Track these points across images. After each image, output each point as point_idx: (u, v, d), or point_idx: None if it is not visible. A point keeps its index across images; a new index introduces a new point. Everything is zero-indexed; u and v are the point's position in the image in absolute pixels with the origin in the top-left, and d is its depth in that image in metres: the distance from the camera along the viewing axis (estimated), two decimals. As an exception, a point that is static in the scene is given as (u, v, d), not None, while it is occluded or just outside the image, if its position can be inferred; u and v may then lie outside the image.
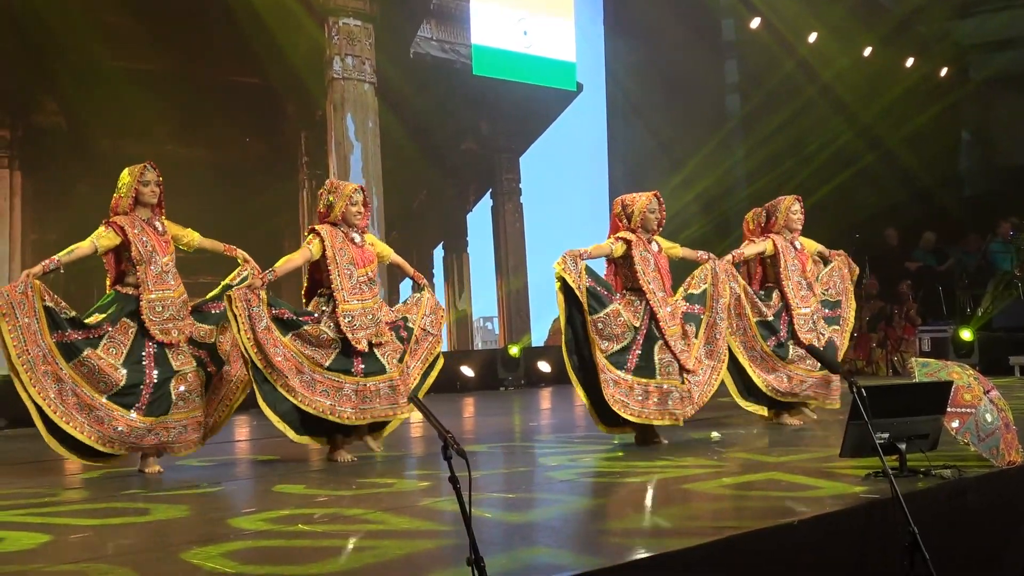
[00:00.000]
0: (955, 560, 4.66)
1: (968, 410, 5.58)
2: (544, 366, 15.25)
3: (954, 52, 19.00)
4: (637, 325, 7.25)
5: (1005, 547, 5.36)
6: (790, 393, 8.17)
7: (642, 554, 3.90)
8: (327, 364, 6.80)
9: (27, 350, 6.36)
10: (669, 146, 17.89)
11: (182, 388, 6.71)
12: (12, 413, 10.34)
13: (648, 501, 5.38)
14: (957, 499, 5.17)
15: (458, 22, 15.92)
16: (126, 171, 6.80)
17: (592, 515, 5.19)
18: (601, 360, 7.13)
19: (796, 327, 8.16)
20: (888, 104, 17.94)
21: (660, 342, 7.27)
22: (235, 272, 7.16)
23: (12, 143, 12.07)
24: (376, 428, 7.17)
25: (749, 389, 8.24)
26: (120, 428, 6.51)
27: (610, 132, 18.06)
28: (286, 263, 6.96)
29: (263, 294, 6.70)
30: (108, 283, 6.84)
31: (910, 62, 18.41)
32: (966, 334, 14.43)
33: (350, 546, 4.30)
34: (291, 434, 6.85)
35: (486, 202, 16.57)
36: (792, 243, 8.35)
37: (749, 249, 8.33)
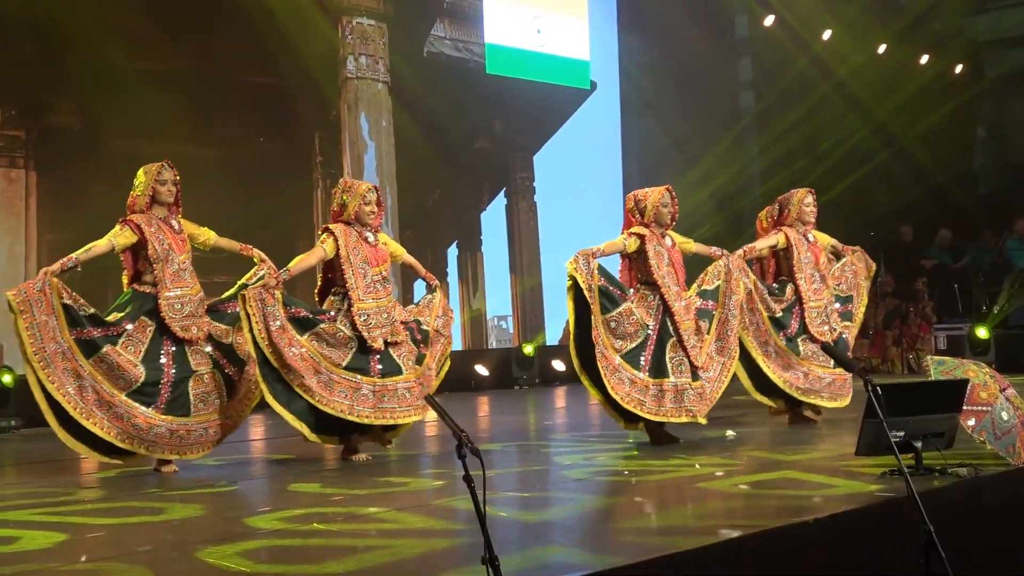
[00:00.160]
0: (971, 559, 4.64)
1: (984, 408, 5.56)
2: (559, 365, 15.24)
3: (969, 49, 18.91)
4: (650, 322, 7.24)
5: (1022, 546, 5.33)
6: (811, 391, 8.11)
7: (657, 553, 3.89)
8: (344, 364, 6.81)
9: (44, 347, 6.37)
10: (683, 144, 17.85)
11: (200, 390, 6.73)
12: (28, 413, 10.37)
13: (663, 500, 5.38)
14: (973, 497, 5.16)
15: (471, 21, 15.92)
16: (142, 170, 6.83)
17: (606, 514, 5.19)
18: (615, 359, 7.12)
19: (808, 320, 8.11)
20: (903, 101, 17.86)
21: (672, 340, 7.26)
22: (251, 272, 7.17)
23: (27, 143, 12.10)
24: (387, 429, 7.16)
25: (763, 385, 8.19)
26: (139, 424, 6.53)
27: (624, 130, 18.03)
28: (300, 262, 6.97)
29: (278, 293, 6.71)
30: (125, 281, 6.87)
31: (925, 59, 18.34)
32: (982, 332, 14.37)
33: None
34: (306, 432, 6.86)
35: (500, 201, 16.56)
36: (805, 236, 8.31)
37: (760, 243, 8.30)
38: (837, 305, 8.42)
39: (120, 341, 6.58)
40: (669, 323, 7.26)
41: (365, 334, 6.82)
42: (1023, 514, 5.48)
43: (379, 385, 6.84)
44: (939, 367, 5.87)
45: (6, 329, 9.65)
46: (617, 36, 18.02)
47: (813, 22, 17.64)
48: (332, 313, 6.91)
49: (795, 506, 4.80)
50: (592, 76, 17.12)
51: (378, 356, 6.89)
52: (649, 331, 7.22)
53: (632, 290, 7.35)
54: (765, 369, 8.04)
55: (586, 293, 7.08)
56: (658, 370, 7.20)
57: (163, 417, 6.60)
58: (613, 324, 7.17)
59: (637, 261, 7.42)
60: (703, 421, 7.27)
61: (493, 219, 16.41)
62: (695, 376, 7.29)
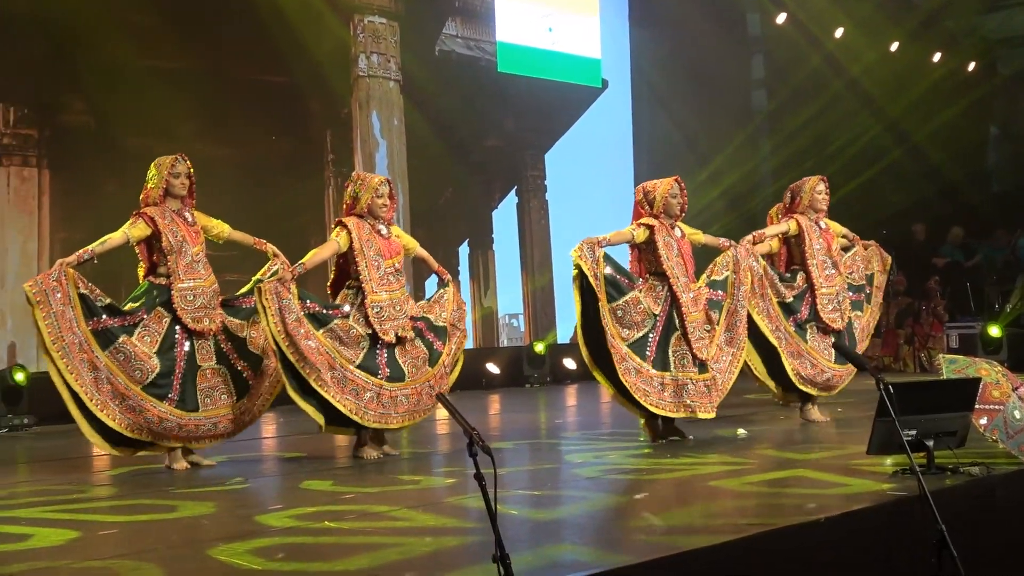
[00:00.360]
0: (984, 558, 4.63)
1: (996, 407, 5.55)
2: (570, 363, 15.23)
3: (982, 47, 18.86)
4: (657, 312, 7.23)
5: (1034, 544, 5.32)
6: (810, 382, 8.09)
7: (668, 551, 3.89)
8: (357, 362, 6.83)
9: (62, 336, 6.41)
10: (695, 142, 17.85)
11: (204, 384, 6.77)
12: (41, 410, 10.42)
13: (674, 498, 5.37)
14: (985, 496, 5.14)
15: (483, 19, 15.93)
16: (155, 163, 6.86)
17: (618, 512, 5.19)
18: (622, 348, 7.11)
19: (819, 307, 8.09)
20: (915, 99, 17.82)
21: (677, 333, 7.25)
22: (266, 267, 7.19)
23: (40, 142, 12.14)
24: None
25: (775, 372, 8.16)
26: (151, 418, 6.56)
27: (635, 129, 18.03)
28: (314, 256, 6.98)
29: (293, 287, 6.73)
30: (141, 274, 6.90)
31: (937, 57, 18.30)
32: (994, 330, 14.33)
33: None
34: (322, 421, 6.87)
35: (511, 199, 16.57)
36: (817, 223, 8.28)
37: (771, 229, 8.29)
38: (850, 293, 8.38)
39: (136, 331, 6.62)
40: (676, 315, 7.25)
41: (377, 327, 6.84)
42: (1035, 513, 5.47)
43: (384, 389, 6.86)
44: (951, 366, 5.85)
45: (18, 328, 9.71)
46: (629, 34, 18.01)
47: (825, 20, 17.62)
48: (346, 308, 6.93)
49: (806, 505, 4.79)
50: (603, 74, 17.11)
51: (386, 358, 6.90)
52: (656, 321, 7.22)
53: (641, 280, 7.35)
54: (781, 355, 7.99)
55: (591, 281, 7.07)
56: (662, 363, 7.20)
57: (175, 411, 6.63)
58: (620, 313, 7.17)
59: (646, 252, 7.42)
60: (702, 416, 7.24)
61: (504, 217, 16.42)
62: (702, 369, 7.28)
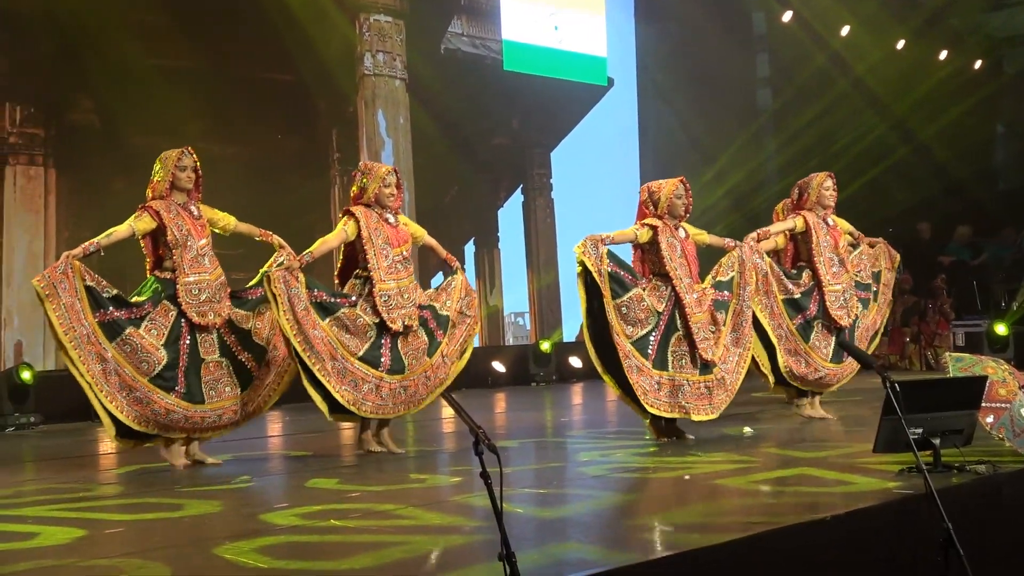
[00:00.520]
0: (990, 556, 4.62)
1: (1003, 405, 5.54)
2: (575, 361, 15.23)
3: (987, 45, 18.83)
4: (660, 310, 7.23)
5: (1040, 543, 5.31)
6: (801, 379, 8.10)
7: (674, 550, 3.89)
8: (360, 354, 6.83)
9: (73, 327, 6.43)
10: (700, 141, 17.83)
11: (208, 377, 6.78)
12: (47, 409, 10.44)
13: (680, 496, 5.37)
14: (992, 495, 5.14)
15: (489, 18, 15.93)
16: (162, 156, 6.86)
17: (624, 511, 5.19)
18: (626, 345, 7.11)
19: (828, 304, 8.08)
20: (921, 97, 17.80)
21: (678, 334, 7.25)
22: (272, 258, 7.20)
23: (47, 141, 12.16)
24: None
25: (777, 368, 8.18)
26: (158, 409, 6.59)
27: (641, 127, 18.02)
28: (322, 245, 6.98)
29: (301, 276, 6.73)
30: (147, 269, 6.91)
31: (943, 55, 18.27)
32: (1001, 329, 14.30)
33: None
34: (326, 412, 6.88)
35: (517, 197, 16.57)
36: (824, 220, 8.26)
37: (776, 227, 8.28)
38: (857, 291, 8.37)
39: (143, 324, 6.63)
40: (678, 315, 7.25)
41: (385, 315, 6.85)
42: (1042, 512, 5.46)
43: (384, 381, 6.87)
44: (957, 364, 5.85)
45: (25, 326, 9.72)
46: (634, 33, 18.01)
47: (831, 18, 17.60)
48: (353, 298, 6.94)
49: (812, 503, 4.79)
50: (609, 73, 17.11)
51: (390, 349, 6.90)
52: (660, 319, 7.21)
53: (644, 279, 7.34)
54: (777, 350, 8.00)
55: (596, 277, 7.07)
56: (661, 362, 7.20)
57: (181, 403, 6.66)
58: (624, 310, 7.16)
59: (650, 252, 7.41)
60: (696, 418, 7.23)
61: (510, 216, 16.43)
62: (704, 370, 7.27)
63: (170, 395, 6.62)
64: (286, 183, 13.58)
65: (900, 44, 18.05)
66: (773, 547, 4.08)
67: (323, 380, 6.72)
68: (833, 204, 8.32)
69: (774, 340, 7.98)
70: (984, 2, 18.64)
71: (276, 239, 7.21)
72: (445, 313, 7.29)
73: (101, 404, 6.58)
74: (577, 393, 13.27)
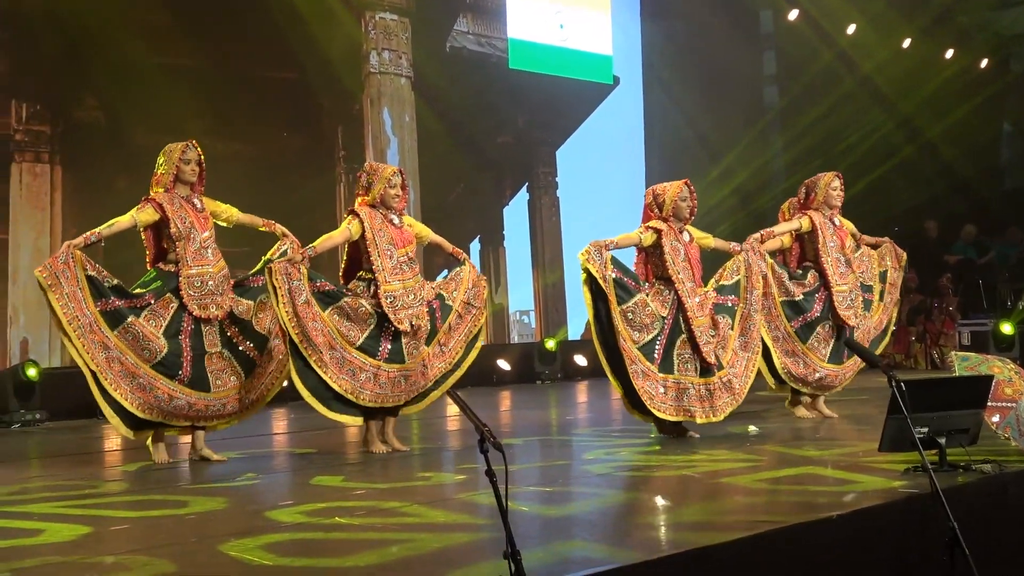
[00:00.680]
0: (996, 556, 4.62)
1: (1009, 404, 5.53)
2: (580, 360, 15.23)
3: (994, 43, 18.81)
4: (664, 315, 7.23)
5: (1047, 542, 5.30)
6: (801, 380, 8.09)
7: (680, 548, 3.88)
8: (358, 343, 6.83)
9: (76, 316, 6.46)
10: (706, 139, 17.83)
11: (213, 368, 6.79)
12: (53, 406, 10.46)
13: (685, 495, 5.36)
14: (998, 494, 5.12)
15: (494, 16, 15.93)
16: (165, 149, 6.87)
17: (629, 509, 5.18)
18: (632, 351, 7.11)
19: (836, 304, 8.07)
20: (928, 96, 17.78)
21: (682, 337, 7.25)
22: (275, 247, 7.22)
23: (52, 138, 12.17)
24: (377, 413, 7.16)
25: (774, 368, 8.18)
26: (161, 396, 6.62)
27: (647, 125, 18.01)
28: (326, 240, 6.98)
29: (303, 268, 6.73)
30: (148, 261, 6.91)
31: (950, 53, 18.25)
32: (1007, 328, 14.28)
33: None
34: (321, 409, 6.87)
35: (522, 196, 16.57)
36: (831, 220, 8.24)
37: (780, 227, 8.25)
38: (864, 293, 8.36)
39: (143, 314, 6.64)
40: (682, 319, 7.25)
41: (392, 316, 6.84)
42: (1048, 511, 5.45)
43: (382, 370, 6.86)
44: (963, 363, 5.84)
45: (31, 323, 9.73)
46: (640, 31, 18.00)
47: (838, 16, 17.59)
48: (358, 291, 6.93)
49: (818, 502, 4.78)
50: (615, 71, 17.11)
51: (390, 340, 6.89)
52: (664, 324, 7.22)
53: (647, 283, 7.34)
54: (772, 351, 8.00)
55: (601, 283, 7.08)
56: (667, 366, 7.20)
57: (184, 390, 6.68)
58: (630, 315, 7.17)
59: (653, 256, 7.41)
60: (700, 421, 7.24)
61: (516, 214, 16.42)
62: (705, 373, 7.27)
63: (172, 381, 6.64)
64: (291, 181, 13.58)
65: (907, 42, 18.03)
66: (778, 546, 4.07)
67: (320, 371, 6.72)
68: (840, 204, 8.30)
69: (769, 342, 7.98)
70: (991, 1, 18.61)
71: (279, 228, 7.25)
72: (450, 303, 7.30)
73: (104, 397, 6.60)
74: (582, 391, 13.27)
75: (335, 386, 6.75)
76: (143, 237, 6.87)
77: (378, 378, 6.86)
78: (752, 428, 7.64)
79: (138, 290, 6.73)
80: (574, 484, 5.85)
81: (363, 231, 6.95)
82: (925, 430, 5.05)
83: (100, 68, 12.36)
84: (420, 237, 7.34)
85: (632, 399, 7.22)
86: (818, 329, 8.09)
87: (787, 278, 8.11)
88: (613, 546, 4.13)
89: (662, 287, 7.30)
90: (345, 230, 7.00)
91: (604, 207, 15.27)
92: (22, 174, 11.91)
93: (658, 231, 7.33)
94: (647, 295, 7.24)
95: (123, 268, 7.22)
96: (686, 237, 7.43)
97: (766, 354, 8.04)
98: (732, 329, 7.50)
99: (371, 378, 6.84)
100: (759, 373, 7.93)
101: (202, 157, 6.92)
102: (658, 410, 7.15)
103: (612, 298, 7.10)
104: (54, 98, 12.33)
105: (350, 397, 6.81)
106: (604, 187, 16.03)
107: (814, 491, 5.09)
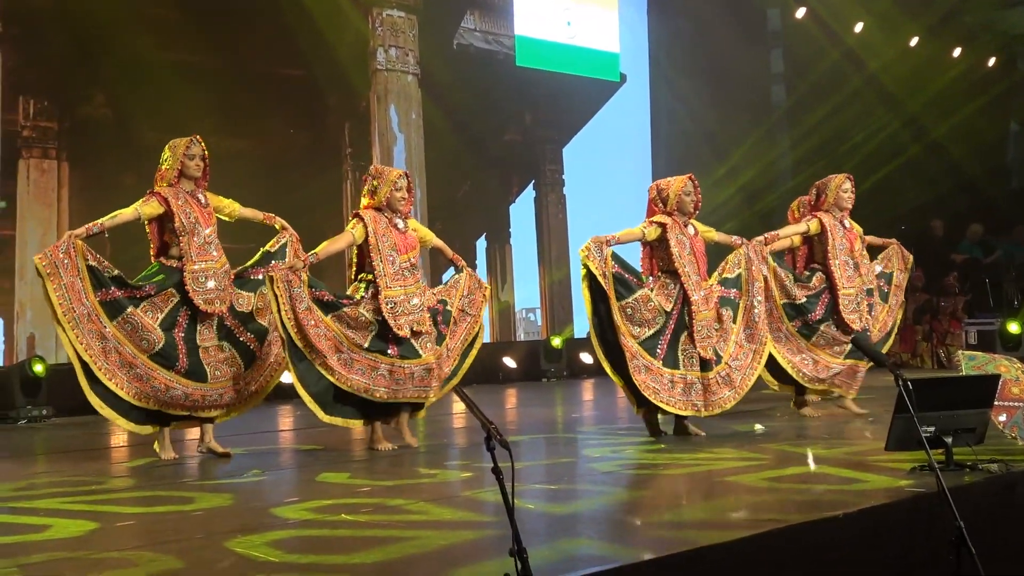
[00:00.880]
0: (1002, 555, 4.61)
1: (1016, 404, 5.53)
2: (586, 357, 15.23)
3: (1002, 42, 18.77)
4: (668, 309, 7.23)
5: (1053, 542, 5.30)
6: (816, 379, 8.07)
7: (686, 547, 3.88)
8: (366, 345, 6.84)
9: (72, 308, 6.47)
10: (713, 137, 17.81)
11: (210, 360, 6.81)
12: (59, 401, 10.47)
13: (691, 493, 5.36)
14: (1004, 493, 5.12)
15: (501, 13, 15.92)
16: (170, 144, 6.89)
17: (635, 507, 5.18)
18: (633, 346, 7.12)
19: (841, 307, 8.04)
20: (935, 94, 17.76)
21: (687, 331, 7.25)
22: (274, 239, 7.24)
23: (59, 135, 12.19)
24: (393, 410, 7.17)
25: (774, 370, 8.18)
26: (158, 386, 6.65)
27: (653, 123, 18.01)
28: (327, 247, 6.98)
29: (304, 275, 6.74)
30: (152, 255, 6.92)
31: (957, 52, 18.23)
32: (1013, 327, 14.27)
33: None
34: (320, 413, 6.88)
35: (529, 193, 16.57)
36: (841, 222, 8.21)
37: (787, 230, 8.24)
38: (868, 297, 8.35)
39: (143, 304, 6.66)
40: (686, 314, 7.25)
41: (392, 322, 6.84)
42: (1055, 511, 5.44)
43: (396, 366, 6.87)
44: (970, 362, 5.83)
45: (38, 319, 9.75)
46: (647, 29, 17.99)
47: (845, 15, 17.56)
48: (356, 300, 6.94)
49: (824, 501, 4.78)
50: (622, 68, 17.10)
51: (397, 342, 6.90)
52: (669, 319, 7.22)
53: (651, 277, 7.34)
54: (775, 353, 8.00)
55: (600, 280, 7.08)
56: (672, 361, 7.20)
57: (182, 380, 6.71)
58: (629, 311, 7.17)
59: (658, 250, 7.41)
60: (705, 415, 7.25)
61: (522, 211, 16.42)
62: (704, 367, 7.27)
63: (170, 372, 6.66)
64: (297, 178, 13.60)
65: (914, 41, 18.00)
66: (784, 545, 4.07)
67: (326, 375, 6.73)
68: (850, 206, 8.25)
69: (772, 344, 7.97)
70: (998, 0, 18.59)
71: (279, 221, 7.30)
72: (450, 309, 7.32)
73: (95, 389, 6.61)
74: (588, 389, 13.27)
75: (345, 387, 6.75)
76: (147, 230, 6.88)
77: (394, 373, 6.86)
78: (758, 426, 7.64)
79: (139, 282, 6.75)
80: (580, 482, 5.85)
81: (366, 235, 6.95)
82: (932, 429, 5.04)
83: (108, 65, 12.38)
84: (423, 241, 7.35)
85: (636, 396, 7.23)
86: (822, 329, 8.07)
87: (791, 280, 8.09)
88: (619, 544, 4.13)
89: (667, 280, 7.30)
90: (348, 235, 7.00)
91: (611, 205, 15.27)
92: (30, 170, 11.93)
93: (663, 225, 7.33)
94: (651, 289, 7.24)
95: (131, 263, 7.23)
96: (691, 231, 7.43)
97: (770, 359, 8.04)
98: (734, 322, 7.51)
99: (386, 374, 6.85)
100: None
101: (206, 152, 6.93)
102: (666, 404, 7.16)
103: (611, 294, 7.10)
104: (62, 94, 12.34)
105: (364, 395, 6.80)
106: (611, 185, 16.02)
107: (820, 490, 5.09)
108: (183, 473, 6.41)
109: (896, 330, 8.85)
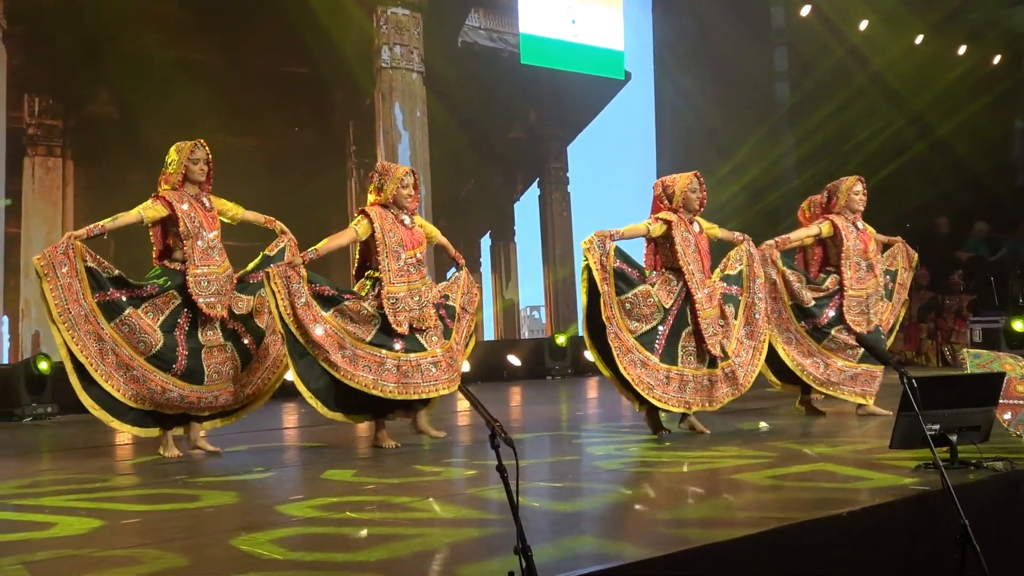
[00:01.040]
0: (1007, 553, 4.61)
1: (1021, 402, 5.52)
2: (591, 355, 15.20)
3: (1007, 40, 18.75)
4: (668, 306, 7.23)
5: (1058, 540, 5.29)
6: (827, 382, 8.04)
7: (690, 545, 3.88)
8: (368, 339, 6.83)
9: (68, 308, 6.49)
10: (717, 135, 17.80)
11: (211, 361, 6.82)
12: (64, 399, 10.47)
13: (695, 491, 5.36)
14: (1009, 491, 5.12)
15: (506, 11, 15.92)
16: (175, 148, 6.90)
17: (639, 505, 5.18)
18: (629, 340, 7.12)
19: (845, 309, 8.02)
20: (939, 92, 17.74)
21: (688, 329, 7.25)
22: (273, 243, 7.25)
23: (65, 132, 12.20)
24: (410, 406, 7.15)
25: (779, 370, 8.18)
26: (154, 388, 6.66)
27: (658, 121, 18.00)
28: (329, 243, 6.98)
29: (303, 271, 6.73)
30: (154, 258, 6.93)
31: (962, 50, 18.21)
32: (1018, 325, 14.25)
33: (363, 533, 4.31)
34: (322, 409, 6.89)
35: (533, 191, 16.57)
36: (854, 224, 8.19)
37: (798, 233, 8.23)
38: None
39: (143, 305, 6.67)
40: (688, 311, 7.25)
41: (391, 318, 6.84)
42: (1059, 509, 5.44)
43: (403, 360, 6.87)
44: (975, 360, 5.83)
45: (43, 317, 9.72)
46: (652, 27, 17.98)
47: (849, 12, 17.55)
48: (362, 293, 6.94)
49: (828, 499, 4.77)
50: (627, 66, 17.09)
51: (402, 340, 6.90)
52: (667, 315, 7.22)
53: (655, 272, 7.34)
54: (783, 355, 7.99)
55: (595, 273, 7.08)
56: (670, 357, 7.21)
57: (178, 382, 6.73)
58: (628, 306, 7.17)
59: (663, 246, 7.40)
60: (690, 411, 7.26)
61: (526, 209, 16.43)
62: (712, 364, 7.28)
63: (166, 374, 6.67)
64: (302, 176, 13.60)
65: (919, 39, 17.99)
66: (788, 543, 4.07)
67: (330, 370, 6.73)
68: (862, 208, 8.22)
69: (781, 344, 7.97)
70: (1003, -3, 18.59)
71: (278, 225, 7.31)
72: (452, 305, 7.33)
73: (88, 391, 6.62)
74: (592, 387, 13.27)
75: (352, 383, 6.75)
76: (151, 233, 6.88)
77: (401, 368, 6.86)
78: (763, 424, 7.64)
79: (140, 282, 6.76)
80: (584, 480, 5.86)
81: (372, 231, 6.95)
82: (936, 427, 5.04)
83: (113, 63, 12.38)
84: (429, 237, 7.36)
85: (631, 392, 7.24)
86: (832, 333, 8.05)
87: (803, 283, 8.07)
88: (623, 542, 4.13)
89: (671, 276, 7.30)
90: (351, 231, 7.00)
91: (615, 203, 15.25)
92: (35, 168, 11.94)
93: (668, 222, 7.33)
94: (652, 285, 7.24)
95: (134, 265, 7.24)
96: (696, 228, 7.43)
97: (772, 355, 8.04)
98: (736, 318, 7.51)
99: (393, 369, 6.84)
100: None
101: (210, 156, 6.93)
102: (659, 400, 7.16)
103: (605, 288, 7.10)
104: (67, 92, 12.35)
105: (373, 392, 6.79)
106: (615, 183, 16.01)
107: (825, 488, 5.09)
108: (188, 471, 6.41)
109: (898, 327, 8.84)
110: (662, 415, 7.40)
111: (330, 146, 14.50)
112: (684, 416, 7.33)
